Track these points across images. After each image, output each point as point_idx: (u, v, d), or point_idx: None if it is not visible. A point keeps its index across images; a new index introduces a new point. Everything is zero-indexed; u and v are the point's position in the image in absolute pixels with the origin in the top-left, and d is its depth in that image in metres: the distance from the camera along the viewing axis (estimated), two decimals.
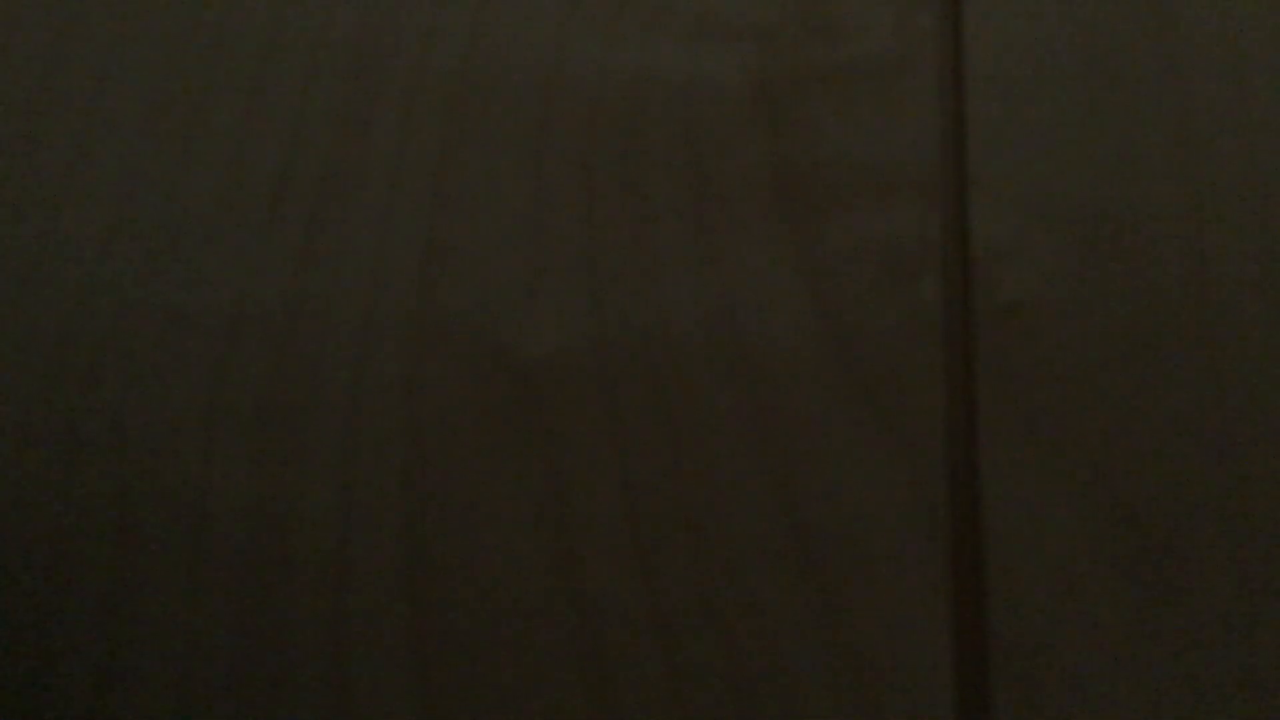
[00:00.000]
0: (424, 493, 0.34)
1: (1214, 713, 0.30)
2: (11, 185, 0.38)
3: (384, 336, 0.35)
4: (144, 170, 0.38)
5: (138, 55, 0.40)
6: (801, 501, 0.33)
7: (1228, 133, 0.36)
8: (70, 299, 0.36)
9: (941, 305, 0.35)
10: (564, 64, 0.38)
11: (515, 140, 0.38)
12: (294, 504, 0.34)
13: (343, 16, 0.40)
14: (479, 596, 0.33)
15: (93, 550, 0.34)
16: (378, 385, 0.35)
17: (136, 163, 0.38)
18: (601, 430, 0.34)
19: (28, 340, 0.36)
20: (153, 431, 0.35)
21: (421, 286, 0.36)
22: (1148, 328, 0.34)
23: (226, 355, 0.35)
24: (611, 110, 0.38)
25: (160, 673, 0.32)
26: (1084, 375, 0.34)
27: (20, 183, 0.38)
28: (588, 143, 0.37)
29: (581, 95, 0.38)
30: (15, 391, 0.35)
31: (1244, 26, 0.37)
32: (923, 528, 0.32)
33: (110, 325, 0.36)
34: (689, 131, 0.37)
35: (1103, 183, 0.35)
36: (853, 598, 0.32)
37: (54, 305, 0.36)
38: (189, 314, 0.36)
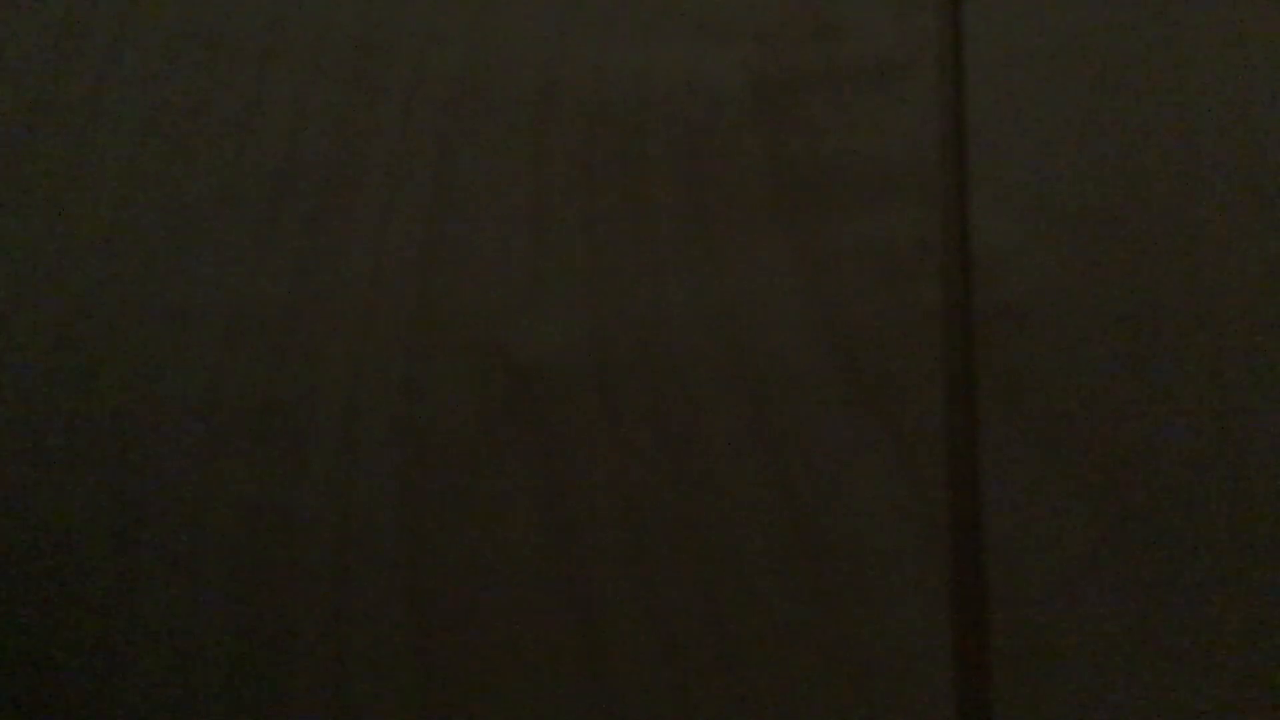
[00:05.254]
0: (423, 493, 0.34)
1: (1214, 713, 0.30)
2: (13, 185, 0.38)
3: (384, 336, 0.35)
4: (144, 170, 0.38)
5: (138, 55, 0.40)
6: (802, 502, 0.33)
7: (1228, 133, 0.36)
8: (70, 299, 0.36)
9: (941, 305, 0.35)
10: (564, 64, 0.38)
11: (515, 141, 0.38)
12: (294, 504, 0.34)
13: (343, 17, 0.40)
14: (479, 596, 0.33)
15: (93, 550, 0.34)
16: (377, 385, 0.35)
17: (136, 163, 0.38)
18: (601, 431, 0.34)
19: (28, 340, 0.36)
20: (153, 431, 0.35)
21: (421, 286, 0.36)
22: (1148, 328, 0.34)
23: (226, 355, 0.35)
24: (611, 110, 0.38)
25: (160, 673, 0.32)
26: (1084, 375, 0.34)
27: (21, 182, 0.38)
28: (588, 143, 0.37)
29: (581, 95, 0.38)
30: (15, 391, 0.35)
31: (1245, 28, 0.37)
32: (923, 528, 0.32)
33: (110, 325, 0.36)
34: (689, 131, 0.37)
35: (1103, 183, 0.35)
36: (853, 598, 0.32)
37: (54, 305, 0.36)
38: (189, 314, 0.36)
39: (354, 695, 0.32)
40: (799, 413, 0.34)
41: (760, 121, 0.37)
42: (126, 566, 0.33)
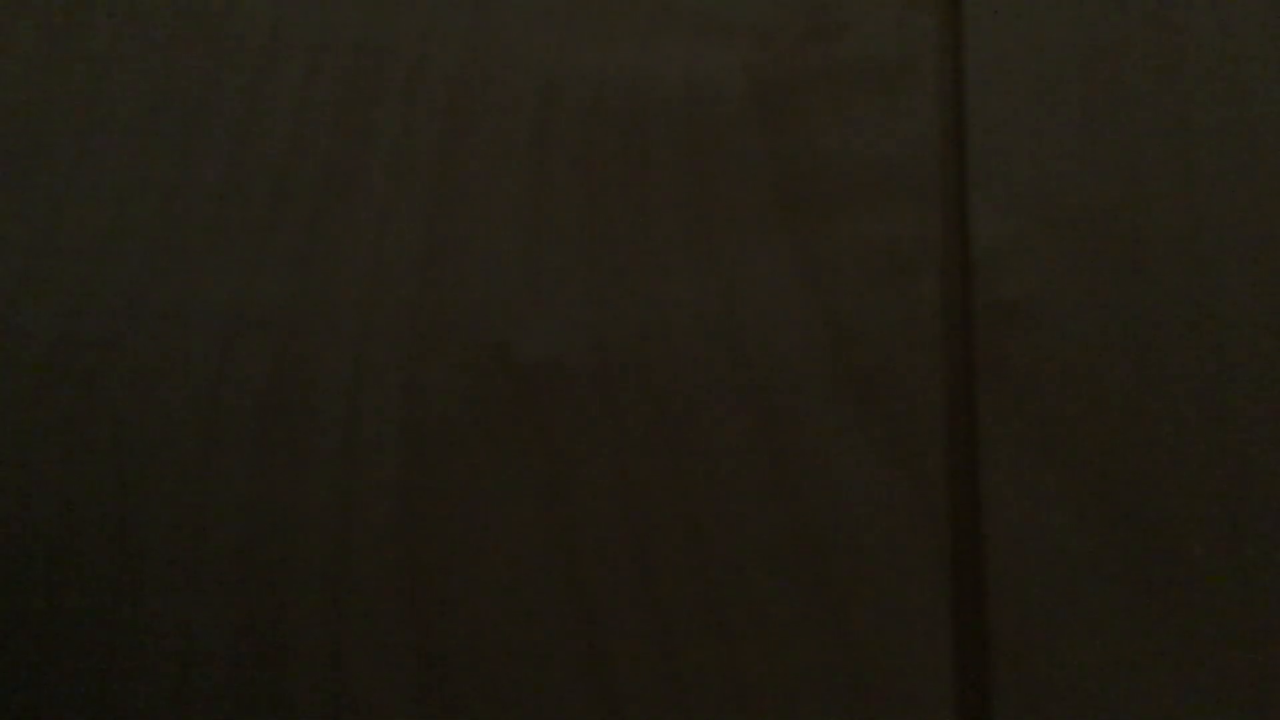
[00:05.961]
0: (423, 493, 0.34)
1: (1214, 713, 0.30)
2: (12, 185, 0.38)
3: (384, 336, 0.35)
4: (144, 170, 0.38)
5: (138, 55, 0.40)
6: (801, 502, 0.33)
7: (1227, 133, 0.36)
8: (70, 299, 0.36)
9: (941, 305, 0.35)
10: (564, 64, 0.38)
11: (515, 140, 0.38)
12: (294, 504, 0.34)
13: (343, 17, 0.40)
14: (479, 596, 0.33)
15: (93, 550, 0.34)
16: (377, 385, 0.35)
17: (136, 163, 0.38)
18: (601, 431, 0.34)
19: (28, 340, 0.36)
20: (153, 431, 0.35)
21: (422, 287, 0.36)
22: (1148, 328, 0.34)
23: (226, 355, 0.35)
24: (612, 110, 0.38)
25: (160, 673, 0.32)
26: (1084, 375, 0.34)
27: (21, 182, 0.38)
28: (588, 143, 0.37)
29: (582, 95, 0.38)
30: (15, 391, 0.35)
31: (1243, 28, 0.37)
32: (923, 528, 0.32)
33: (110, 325, 0.36)
34: (689, 131, 0.37)
35: (1103, 183, 0.35)
36: (853, 598, 0.32)
37: (54, 305, 0.36)
38: (189, 314, 0.36)
39: (354, 695, 0.32)
40: (799, 412, 0.34)
41: (760, 121, 0.37)
42: (126, 566, 0.33)
